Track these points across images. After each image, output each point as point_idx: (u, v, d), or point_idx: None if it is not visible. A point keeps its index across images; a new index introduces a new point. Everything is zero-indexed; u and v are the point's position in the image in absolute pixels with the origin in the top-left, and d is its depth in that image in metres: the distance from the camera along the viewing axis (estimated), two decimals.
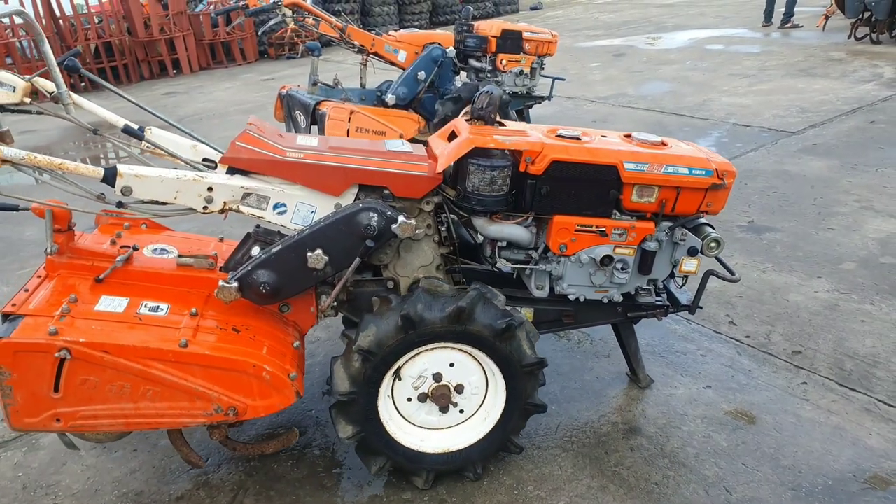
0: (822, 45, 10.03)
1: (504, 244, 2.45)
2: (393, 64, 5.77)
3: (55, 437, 2.76)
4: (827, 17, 11.14)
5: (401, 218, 2.20)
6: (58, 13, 11.68)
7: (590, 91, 8.29)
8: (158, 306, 2.17)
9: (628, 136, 2.47)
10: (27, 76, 2.57)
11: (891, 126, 6.14)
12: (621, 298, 2.52)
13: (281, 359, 2.18)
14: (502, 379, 2.35)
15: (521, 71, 5.86)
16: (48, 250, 2.20)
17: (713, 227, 2.42)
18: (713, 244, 2.38)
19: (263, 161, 2.25)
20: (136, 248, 2.33)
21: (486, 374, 2.39)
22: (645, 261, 2.40)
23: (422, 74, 5.43)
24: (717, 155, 2.41)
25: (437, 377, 2.35)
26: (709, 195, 2.35)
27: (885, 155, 5.46)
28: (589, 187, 2.29)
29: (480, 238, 2.49)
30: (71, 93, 2.59)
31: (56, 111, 2.53)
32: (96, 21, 11.93)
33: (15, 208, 2.25)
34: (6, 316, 2.03)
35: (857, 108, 6.76)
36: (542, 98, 6.15)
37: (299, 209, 2.31)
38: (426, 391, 2.36)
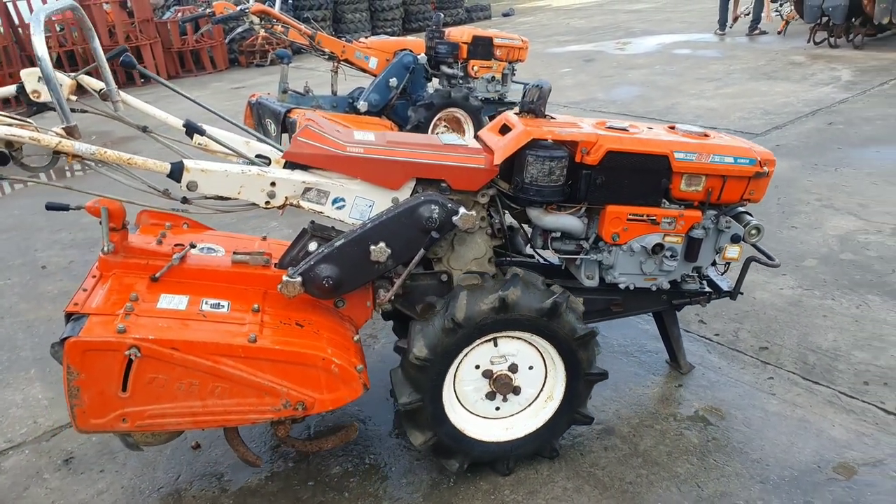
0: (783, 50, 10.28)
1: (557, 235, 2.50)
2: (364, 71, 5.79)
3: (17, 460, 2.72)
4: (787, 22, 11.43)
5: (462, 210, 2.24)
6: (16, 20, 11.45)
7: (561, 96, 8.38)
8: (219, 303, 2.16)
9: (672, 127, 2.55)
10: (72, 73, 2.56)
11: (848, 127, 6.32)
12: (669, 286, 2.60)
13: (346, 352, 2.19)
14: (556, 405, 2.44)
15: (493, 77, 5.93)
16: (104, 249, 2.19)
17: (752, 215, 2.52)
18: (754, 231, 2.48)
19: (324, 156, 2.28)
20: (193, 246, 2.33)
21: (542, 393, 2.46)
22: (691, 248, 2.48)
23: (393, 81, 5.47)
24: (757, 145, 2.50)
25: (513, 368, 2.40)
26: (751, 183, 2.44)
27: (843, 155, 5.62)
28: (642, 177, 2.36)
29: (530, 230, 2.57)
30: (119, 91, 2.57)
31: (104, 109, 2.51)
32: (58, 29, 11.72)
33: (66, 208, 2.25)
34: (69, 315, 2.02)
35: (817, 110, 6.95)
36: (514, 104, 6.21)
37: (357, 204, 2.33)
38: (494, 371, 2.38)
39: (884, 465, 2.41)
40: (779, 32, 11.47)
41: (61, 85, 2.57)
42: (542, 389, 2.47)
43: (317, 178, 2.29)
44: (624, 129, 2.41)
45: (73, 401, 1.93)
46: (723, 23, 11.96)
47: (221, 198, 2.25)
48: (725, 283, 2.74)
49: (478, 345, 2.32)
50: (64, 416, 2.95)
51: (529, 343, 2.38)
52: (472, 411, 2.44)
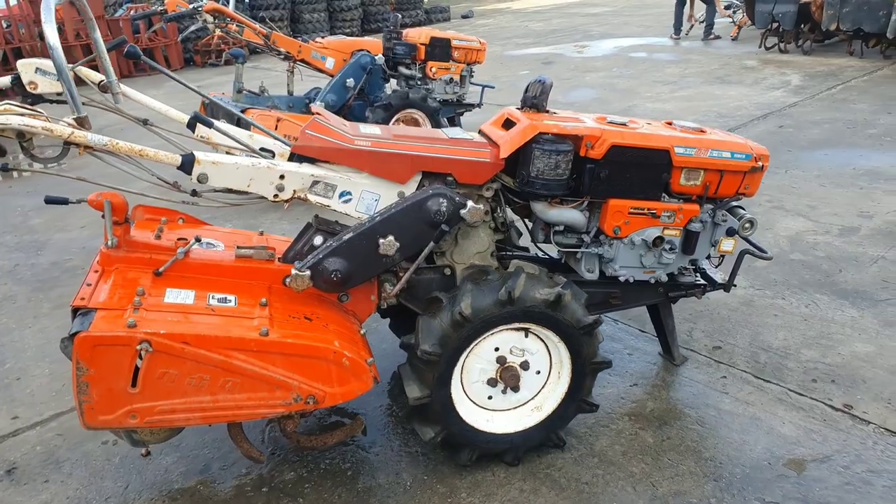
0: (736, 54, 10.55)
1: (560, 229, 2.52)
2: (321, 71, 5.72)
3: None
4: (740, 28, 11.74)
5: (470, 203, 2.26)
6: None
7: (519, 98, 8.39)
8: (226, 298, 2.15)
9: (669, 123, 2.62)
10: (71, 64, 2.49)
11: (797, 131, 6.51)
12: (667, 279, 2.64)
13: (355, 345, 2.18)
14: (540, 418, 2.46)
15: (451, 79, 5.92)
16: (108, 243, 2.15)
17: (745, 209, 2.59)
18: (747, 225, 2.56)
19: (332, 149, 2.29)
20: (198, 240, 2.29)
21: (533, 401, 2.49)
22: (689, 241, 2.53)
23: (350, 81, 5.42)
24: (752, 141, 2.55)
25: (525, 365, 2.42)
26: (747, 178, 2.50)
27: (793, 157, 5.78)
28: (644, 171, 2.41)
29: (530, 224, 2.64)
30: (120, 83, 2.52)
31: (103, 101, 2.45)
32: (4, 25, 11.29)
33: (65, 202, 2.20)
34: (76, 310, 1.98)
35: (768, 114, 7.14)
36: (472, 106, 6.22)
37: (364, 197, 2.34)
38: (508, 361, 2.40)
39: (831, 461, 2.47)
40: (732, 37, 11.77)
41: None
42: (535, 397, 2.49)
43: (324, 171, 2.30)
44: (624, 125, 2.46)
45: (81, 397, 1.89)
46: (678, 27, 12.22)
47: (230, 191, 2.25)
48: (718, 277, 2.81)
49: (512, 328, 2.35)
50: (5, 425, 2.83)
51: (549, 349, 2.42)
52: (466, 390, 2.43)
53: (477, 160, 2.38)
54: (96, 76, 2.57)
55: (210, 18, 5.28)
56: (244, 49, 5.73)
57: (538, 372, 2.45)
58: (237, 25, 5.49)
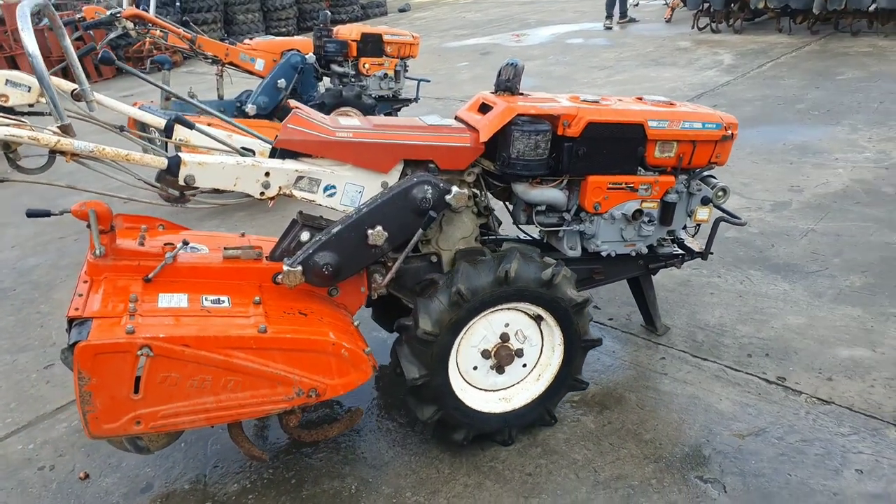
0: (670, 36, 10.75)
1: (542, 209, 2.55)
2: (251, 73, 5.60)
3: None
4: (673, 9, 11.95)
5: (454, 188, 2.30)
6: None
7: (458, 91, 8.40)
8: (219, 299, 2.16)
9: (640, 98, 2.66)
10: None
11: (731, 109, 6.64)
12: (647, 251, 2.70)
13: (351, 336, 2.20)
14: (505, 408, 2.50)
15: (385, 74, 5.86)
16: (97, 252, 2.15)
17: (716, 178, 2.67)
18: (721, 193, 2.65)
19: (315, 142, 2.29)
20: (186, 244, 2.27)
21: (507, 391, 2.53)
22: (666, 212, 2.59)
23: (282, 82, 5.32)
24: (720, 111, 2.62)
25: (519, 353, 2.47)
26: (718, 147, 2.57)
27: None
28: (620, 146, 2.46)
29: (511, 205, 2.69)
30: (94, 91, 2.51)
31: (77, 110, 2.41)
32: None
33: (47, 214, 2.20)
34: (72, 321, 1.97)
35: (702, 94, 7.29)
36: (409, 100, 6.18)
37: (348, 190, 2.35)
38: (509, 339, 2.44)
39: (766, 434, 2.53)
40: (666, 20, 11.98)
41: (30, 88, 2.60)
42: (509, 388, 2.53)
43: (308, 166, 2.30)
44: (597, 102, 2.48)
45: (85, 407, 1.88)
46: (610, 15, 12.34)
47: (216, 191, 2.25)
48: (695, 246, 2.89)
49: (530, 312, 2.39)
50: None
51: (544, 349, 2.48)
52: (457, 354, 2.42)
53: (458, 145, 2.41)
54: (67, 85, 2.56)
55: (130, 25, 5.09)
56: (173, 55, 5.55)
57: (524, 365, 2.49)
58: (161, 31, 5.31)
